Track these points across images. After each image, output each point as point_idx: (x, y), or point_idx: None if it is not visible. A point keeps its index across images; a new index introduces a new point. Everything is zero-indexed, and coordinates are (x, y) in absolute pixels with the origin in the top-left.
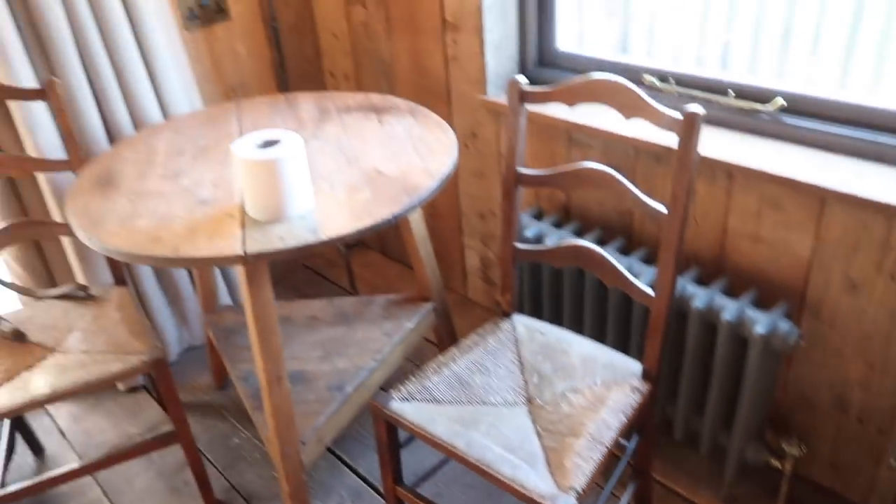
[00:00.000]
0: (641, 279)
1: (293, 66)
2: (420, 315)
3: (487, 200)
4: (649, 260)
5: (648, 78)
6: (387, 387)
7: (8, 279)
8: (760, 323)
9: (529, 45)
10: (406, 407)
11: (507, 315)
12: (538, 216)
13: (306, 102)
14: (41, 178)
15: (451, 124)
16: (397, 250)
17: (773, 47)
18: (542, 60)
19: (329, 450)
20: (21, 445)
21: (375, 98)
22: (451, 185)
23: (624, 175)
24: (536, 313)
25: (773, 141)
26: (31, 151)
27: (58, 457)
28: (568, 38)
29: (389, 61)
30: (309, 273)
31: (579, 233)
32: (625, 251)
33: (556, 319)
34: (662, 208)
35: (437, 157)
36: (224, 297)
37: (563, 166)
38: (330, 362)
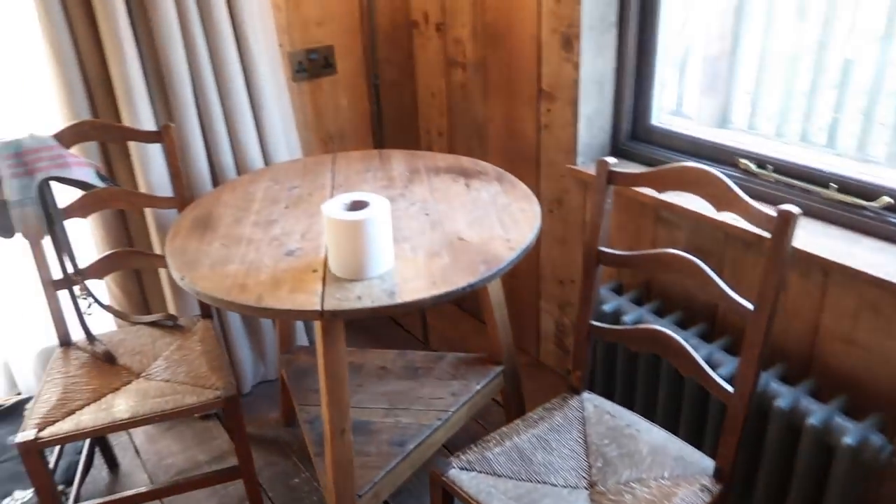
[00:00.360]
0: (722, 369)
1: (390, 119)
2: (489, 378)
3: (568, 267)
4: (732, 349)
5: (744, 162)
6: (450, 445)
7: (107, 302)
8: (850, 433)
9: (623, 119)
10: (464, 476)
11: (576, 392)
12: (618, 290)
13: (398, 161)
14: (148, 212)
15: (538, 189)
16: (473, 305)
17: (884, 137)
18: (635, 134)
19: (385, 503)
20: (98, 459)
21: (465, 161)
22: (532, 249)
23: (711, 260)
24: (608, 393)
25: (877, 240)
26: (143, 187)
27: (131, 474)
28: (665, 109)
29: (483, 123)
30: (385, 317)
31: (660, 312)
32: (707, 337)
33: (628, 402)
34: (749, 305)
35: (520, 227)
36: (301, 337)
37: (646, 251)
38: (394, 416)
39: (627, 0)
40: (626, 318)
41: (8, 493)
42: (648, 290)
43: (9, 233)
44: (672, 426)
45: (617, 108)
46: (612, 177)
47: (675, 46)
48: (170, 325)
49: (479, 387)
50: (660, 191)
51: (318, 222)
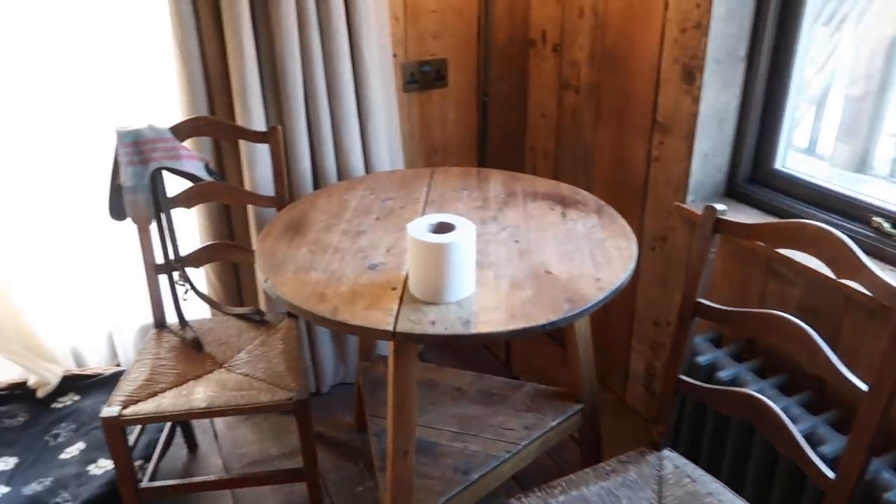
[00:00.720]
0: (826, 447)
1: (496, 137)
2: (566, 415)
3: (665, 309)
4: (841, 425)
5: (878, 220)
6: (518, 477)
7: (204, 290)
8: None
9: (743, 159)
10: None
11: (656, 448)
12: (717, 342)
13: (496, 182)
14: (250, 208)
15: (641, 224)
16: (561, 334)
17: None
18: (755, 177)
19: None
20: (179, 438)
21: (565, 189)
22: (629, 285)
23: (827, 325)
24: (693, 455)
25: None
26: (248, 184)
27: (207, 457)
28: (796, 147)
29: (591, 149)
30: None
31: (761, 372)
32: (813, 407)
33: (714, 468)
34: (863, 385)
35: (613, 267)
36: (382, 346)
37: (749, 309)
38: (463, 441)
39: (761, 34)
40: (722, 374)
41: (93, 460)
42: (752, 346)
43: (121, 216)
44: (760, 503)
45: (737, 147)
46: (719, 225)
47: (812, 84)
48: (257, 320)
49: (554, 423)
50: (772, 246)
51: (404, 238)
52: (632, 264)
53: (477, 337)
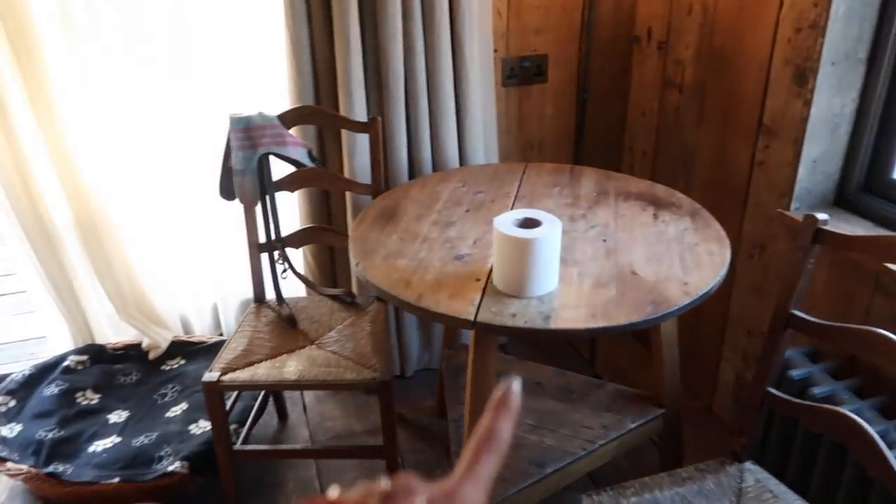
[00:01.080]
0: None
1: (593, 134)
2: (646, 418)
3: (760, 319)
4: None
5: None
6: (595, 475)
7: (301, 270)
8: None
9: (856, 167)
10: None
11: (738, 459)
12: (813, 357)
13: (588, 179)
14: (348, 194)
15: (739, 229)
16: (647, 338)
17: None
18: (869, 186)
19: None
20: (271, 408)
21: (660, 190)
22: (723, 292)
23: None
24: (779, 471)
25: None
26: (347, 172)
27: (295, 427)
28: None
29: (691, 150)
30: None
31: (859, 391)
32: None
33: (801, 486)
34: None
35: (702, 272)
36: (467, 336)
37: (848, 325)
38: (539, 435)
39: (885, 35)
40: (816, 390)
41: (194, 420)
42: (851, 364)
43: (230, 196)
44: None
45: (850, 154)
46: (819, 235)
47: None
48: (348, 301)
49: (633, 425)
50: (881, 260)
51: (492, 231)
52: (723, 270)
53: (556, 332)
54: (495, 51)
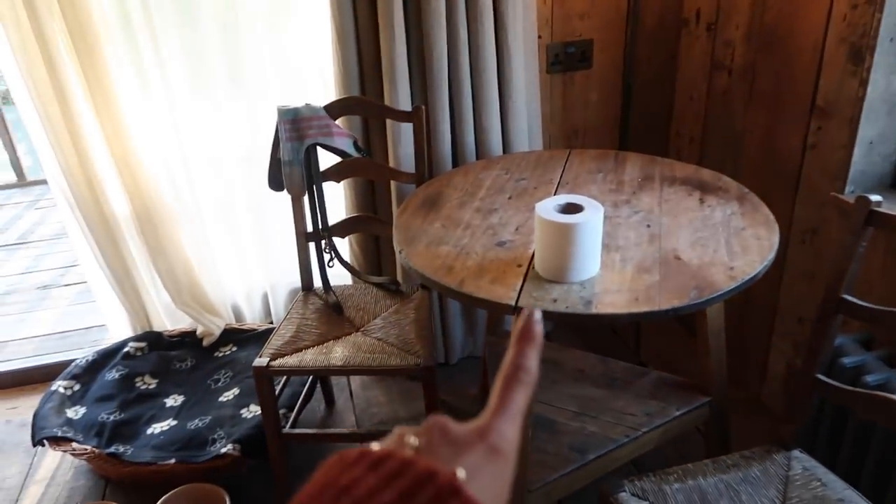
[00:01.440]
0: None
1: (639, 120)
2: (691, 406)
3: (812, 306)
4: None
5: None
6: (639, 462)
7: (347, 258)
8: None
9: None
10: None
11: (785, 447)
12: (867, 344)
13: (633, 165)
14: (393, 183)
15: (791, 214)
16: (694, 325)
17: None
18: None
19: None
20: (319, 394)
21: (706, 174)
22: (773, 277)
23: None
24: (828, 461)
25: None
26: (392, 161)
27: (342, 413)
28: None
29: (740, 134)
30: None
31: None
32: None
33: (851, 477)
34: None
35: (749, 256)
36: (509, 323)
37: None
38: (581, 422)
39: None
40: (869, 378)
41: (245, 405)
42: None
43: (280, 187)
44: None
45: None
46: (872, 217)
47: None
48: (393, 289)
49: (678, 413)
50: None
51: (534, 217)
52: (771, 255)
53: (597, 317)
54: (539, 37)
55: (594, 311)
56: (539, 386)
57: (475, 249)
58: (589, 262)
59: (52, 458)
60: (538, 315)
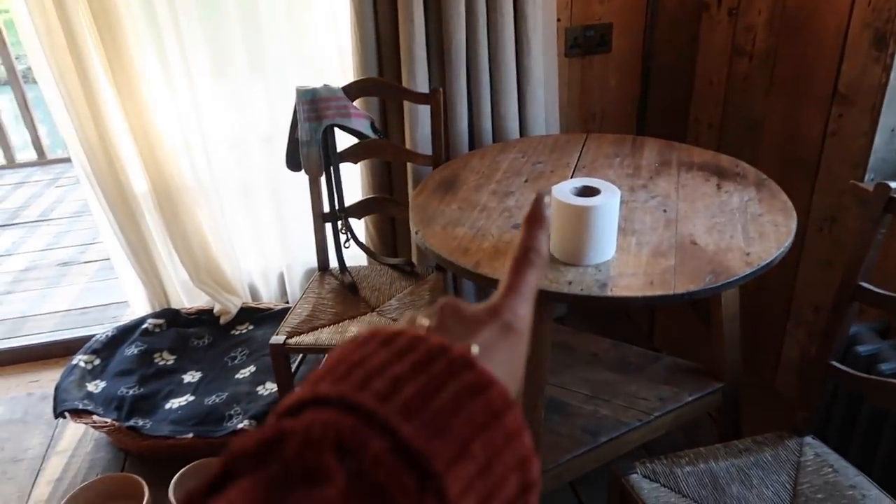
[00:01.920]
0: None
1: (657, 105)
2: (704, 392)
3: (828, 295)
4: None
5: None
6: (649, 446)
7: (363, 239)
8: None
9: None
10: (645, 485)
11: (797, 433)
12: (883, 333)
13: (651, 150)
14: (409, 165)
15: (809, 202)
16: (708, 311)
17: None
18: None
19: (571, 485)
20: None
21: (724, 160)
22: (790, 266)
23: None
24: (842, 448)
25: None
26: (409, 143)
27: None
28: None
29: (759, 120)
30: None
31: None
32: None
33: (864, 464)
34: None
35: (766, 242)
36: None
37: None
38: (593, 405)
39: None
40: (884, 366)
41: (261, 382)
42: None
43: (297, 167)
44: None
45: None
46: (892, 204)
47: None
48: (408, 271)
49: (690, 398)
50: None
51: (550, 200)
52: (788, 241)
53: (612, 300)
54: (558, 20)
55: (608, 294)
56: (552, 370)
57: (491, 231)
58: (605, 245)
59: (72, 430)
60: (547, 199)
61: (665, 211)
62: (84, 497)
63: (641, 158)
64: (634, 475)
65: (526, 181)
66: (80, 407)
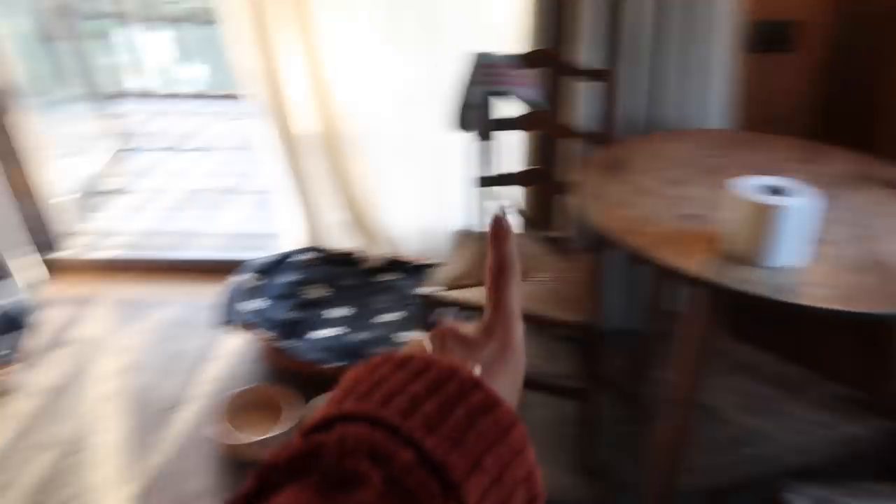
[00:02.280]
0: None
1: (843, 112)
2: (864, 423)
3: None
4: None
5: None
6: (804, 469)
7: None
8: None
9: None
10: None
11: None
12: None
13: (838, 160)
14: (573, 142)
15: None
16: (881, 340)
17: None
18: None
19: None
20: None
21: None
22: None
23: None
24: None
25: None
26: (575, 119)
27: None
28: None
29: None
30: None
31: None
32: None
33: None
34: None
35: None
36: (673, 303)
37: None
38: (745, 416)
39: None
40: None
41: (403, 330)
42: None
43: (466, 128)
44: None
45: None
46: None
47: None
48: (561, 247)
49: (856, 432)
50: None
51: (725, 195)
52: None
53: (785, 306)
54: (740, 13)
55: (784, 299)
56: (705, 375)
57: (660, 217)
58: (790, 249)
59: (226, 341)
60: (500, 211)
61: (856, 226)
62: (237, 402)
63: (826, 167)
64: (796, 497)
65: (699, 173)
66: (247, 320)
